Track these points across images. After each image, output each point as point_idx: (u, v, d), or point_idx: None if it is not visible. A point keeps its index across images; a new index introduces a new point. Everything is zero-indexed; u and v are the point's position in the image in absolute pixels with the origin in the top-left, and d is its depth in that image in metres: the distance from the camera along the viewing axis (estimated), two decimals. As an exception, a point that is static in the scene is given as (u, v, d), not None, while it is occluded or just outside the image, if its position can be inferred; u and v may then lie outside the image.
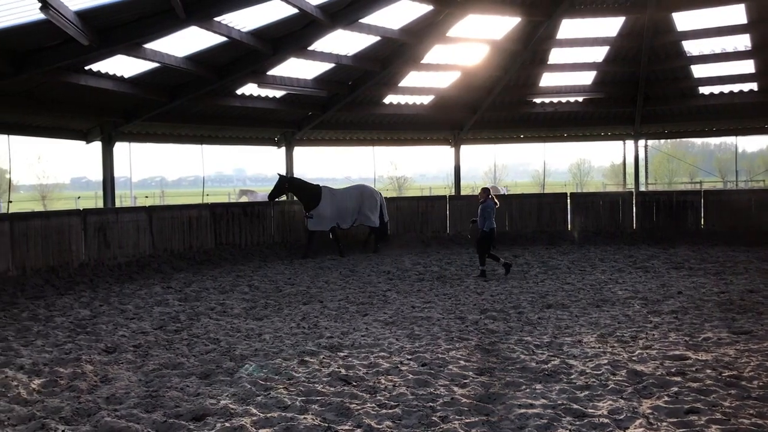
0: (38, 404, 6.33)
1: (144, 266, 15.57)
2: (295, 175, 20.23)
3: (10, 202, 18.90)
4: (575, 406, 6.05)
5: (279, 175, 18.57)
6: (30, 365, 7.68)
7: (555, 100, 21.11)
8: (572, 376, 7.03)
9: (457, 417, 5.89)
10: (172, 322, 10.19)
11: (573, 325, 9.61)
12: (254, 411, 6.06)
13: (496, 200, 14.47)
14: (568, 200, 21.56)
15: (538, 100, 21.18)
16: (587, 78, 20.51)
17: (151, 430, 5.63)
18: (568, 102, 21.20)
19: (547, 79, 20.53)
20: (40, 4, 9.59)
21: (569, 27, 18.24)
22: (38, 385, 6.97)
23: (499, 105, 21.33)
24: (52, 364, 7.77)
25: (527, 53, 18.72)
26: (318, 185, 18.52)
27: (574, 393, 6.48)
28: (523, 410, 5.99)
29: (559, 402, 6.20)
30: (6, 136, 15.73)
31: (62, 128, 16.80)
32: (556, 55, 19.47)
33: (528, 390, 6.63)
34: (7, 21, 10.63)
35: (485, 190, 14.61)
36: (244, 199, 33.39)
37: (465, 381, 6.95)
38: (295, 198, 19.07)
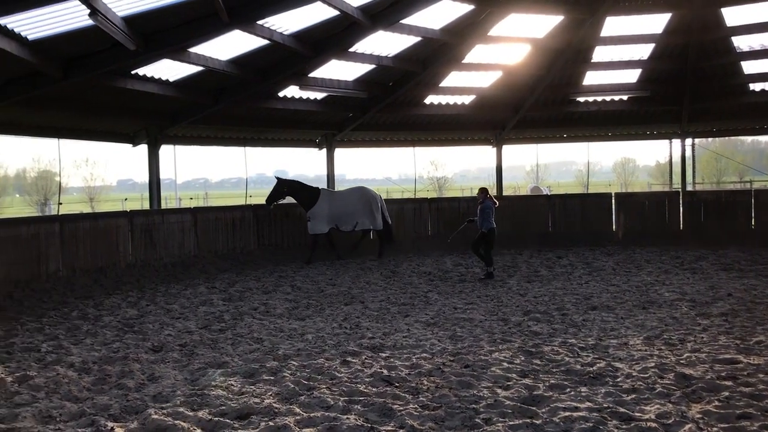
0: (88, 401, 6.48)
1: (189, 266, 15.84)
2: (331, 180, 20.23)
3: (60, 204, 19.40)
4: (621, 410, 5.94)
5: (277, 178, 17.88)
6: (80, 363, 7.88)
7: (599, 98, 20.75)
8: (618, 379, 6.91)
9: (500, 419, 5.83)
10: (216, 322, 10.33)
11: (618, 327, 9.44)
12: (297, 410, 6.10)
13: (495, 200, 14.49)
14: (613, 200, 21.18)
15: (581, 99, 20.87)
16: (632, 76, 20.13)
17: (197, 428, 5.71)
18: (612, 100, 20.83)
19: (591, 78, 20.21)
20: (88, 11, 9.82)
21: (613, 24, 17.93)
22: (88, 382, 7.14)
23: (542, 104, 21.08)
24: (101, 362, 7.96)
25: (570, 52, 18.46)
26: (317, 187, 18.09)
27: (620, 396, 6.36)
28: (568, 413, 5.90)
29: (605, 405, 6.09)
30: (56, 139, 16.18)
31: (110, 132, 17.19)
32: (599, 53, 19.15)
33: (573, 393, 6.53)
34: (57, 28, 10.92)
35: (483, 190, 14.62)
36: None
37: (508, 383, 6.88)
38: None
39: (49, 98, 13.36)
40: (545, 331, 9.27)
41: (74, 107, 14.45)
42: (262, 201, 17.91)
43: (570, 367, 7.37)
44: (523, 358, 7.86)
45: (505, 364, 7.60)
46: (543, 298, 11.88)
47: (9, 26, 10.07)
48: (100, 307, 11.65)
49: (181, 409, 6.15)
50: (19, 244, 12.43)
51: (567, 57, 18.76)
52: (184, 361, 8.02)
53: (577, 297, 11.86)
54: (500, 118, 21.76)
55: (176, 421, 5.79)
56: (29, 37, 10.72)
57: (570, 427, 5.61)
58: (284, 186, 17.59)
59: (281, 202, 17.95)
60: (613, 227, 20.81)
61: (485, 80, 20.05)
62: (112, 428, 5.63)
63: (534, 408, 6.11)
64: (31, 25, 10.51)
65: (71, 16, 10.58)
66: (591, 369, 7.26)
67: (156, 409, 6.15)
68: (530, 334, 9.15)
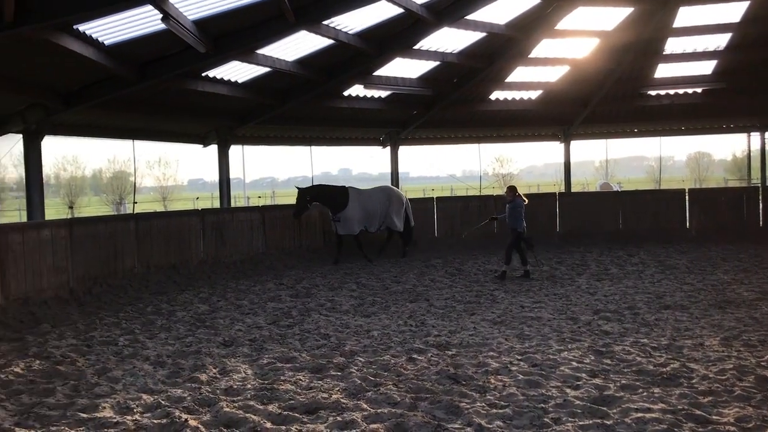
0: (163, 394, 6.70)
1: (257, 263, 16.16)
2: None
3: (135, 203, 20.13)
4: (698, 412, 5.74)
5: (297, 188, 16.59)
6: (155, 357, 8.15)
7: (671, 91, 20.08)
8: (693, 381, 6.68)
9: (570, 419, 5.73)
10: (284, 318, 10.51)
11: (693, 327, 9.13)
12: (365, 406, 6.15)
13: (524, 198, 13.98)
14: (687, 196, 20.51)
15: (653, 92, 20.24)
16: (707, 67, 19.38)
17: (267, 421, 5.82)
18: (686, 93, 20.12)
19: (663, 70, 19.56)
20: (161, 15, 10.14)
21: (687, 14, 17.29)
22: (163, 375, 7.38)
23: (611, 98, 20.54)
24: (175, 356, 8.21)
25: (641, 44, 17.92)
26: (344, 186, 17.29)
27: (696, 398, 6.15)
28: (640, 414, 5.75)
29: (679, 407, 5.90)
30: (131, 141, 16.79)
31: (182, 133, 17.72)
32: (672, 45, 18.51)
33: (645, 393, 6.36)
34: (132, 33, 11.32)
35: (512, 189, 14.07)
36: None
37: (578, 383, 6.75)
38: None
39: (124, 101, 13.87)
40: (616, 331, 9.05)
41: (148, 109, 14.95)
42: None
43: (642, 368, 7.18)
44: (592, 358, 7.70)
45: (574, 363, 7.46)
46: (613, 296, 11.60)
47: (87, 32, 10.50)
48: (174, 302, 12.02)
49: (252, 403, 6.28)
50: (98, 242, 12.94)
51: (637, 49, 18.21)
52: (254, 356, 8.19)
53: (649, 296, 11.53)
54: (568, 113, 21.35)
55: (247, 415, 5.93)
56: (106, 43, 11.16)
57: (643, 428, 5.47)
58: (307, 194, 16.44)
59: (310, 211, 16.98)
60: (687, 224, 20.14)
61: (552, 75, 19.70)
62: (186, 420, 5.80)
63: (605, 408, 5.98)
64: (108, 30, 10.93)
65: (145, 21, 10.95)
66: (664, 370, 7.05)
67: (227, 402, 6.30)
68: (600, 333, 8.95)
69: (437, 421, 5.75)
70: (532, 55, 18.35)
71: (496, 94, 20.16)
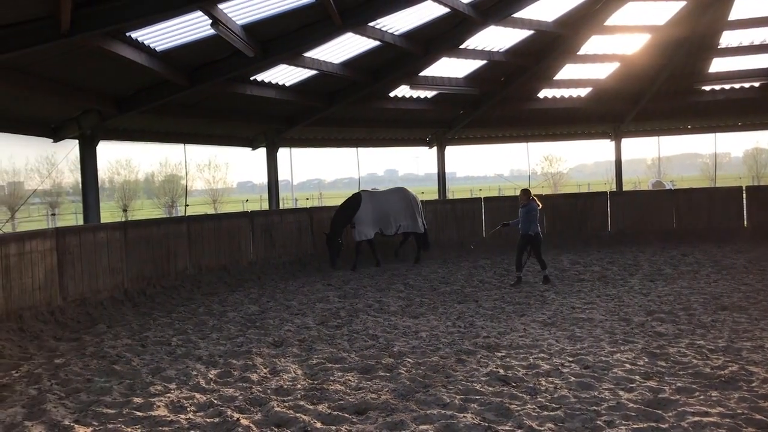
0: (215, 393, 6.80)
1: (305, 264, 16.31)
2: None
3: (187, 205, 20.53)
4: (758, 417, 5.55)
5: (334, 222, 16.14)
6: (207, 356, 8.29)
7: (727, 86, 19.49)
8: (753, 384, 6.47)
9: (623, 422, 5.61)
10: (333, 318, 10.57)
11: (752, 329, 8.83)
12: (414, 407, 6.13)
13: (538, 201, 13.30)
14: (744, 194, 19.88)
15: (707, 88, 19.67)
16: (765, 61, 18.76)
17: (317, 421, 5.86)
18: (742, 88, 19.49)
19: (718, 65, 19.01)
20: (210, 21, 10.32)
21: (743, 6, 16.76)
22: (214, 375, 7.50)
23: (663, 94, 20.05)
24: (226, 356, 8.33)
25: (694, 38, 17.45)
26: (357, 192, 16.82)
27: (756, 402, 5.95)
28: (697, 418, 5.60)
29: (738, 411, 5.72)
30: (182, 145, 17.15)
31: (231, 136, 18.00)
32: (727, 38, 17.98)
33: (702, 397, 6.18)
34: (182, 39, 11.55)
35: (526, 192, 13.44)
36: None
37: (631, 385, 6.61)
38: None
39: (175, 106, 14.17)
40: (670, 332, 8.82)
41: (198, 114, 15.24)
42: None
43: (699, 370, 6.98)
44: (646, 360, 7.52)
45: (627, 365, 7.30)
46: (667, 297, 11.31)
47: (139, 39, 10.75)
48: (225, 303, 12.21)
49: (302, 403, 6.33)
50: (151, 244, 13.23)
51: (690, 44, 17.75)
52: (304, 356, 8.25)
53: (704, 296, 11.21)
54: (618, 111, 20.94)
55: (297, 414, 5.97)
56: (157, 49, 11.41)
57: (701, 433, 5.32)
58: (344, 219, 16.15)
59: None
60: (744, 223, 19.52)
61: (602, 72, 19.34)
62: (238, 419, 5.88)
63: (659, 412, 5.83)
64: (159, 37, 11.18)
65: (194, 27, 11.17)
66: (722, 372, 6.84)
67: (278, 402, 6.36)
68: (654, 334, 8.74)
69: (487, 423, 5.69)
70: (581, 52, 18.06)
71: (545, 92, 19.91)
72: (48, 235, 10.94)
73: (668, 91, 19.98)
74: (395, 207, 16.60)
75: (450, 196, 23.48)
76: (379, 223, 16.39)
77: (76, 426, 5.84)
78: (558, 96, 20.11)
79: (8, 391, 6.89)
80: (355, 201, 16.31)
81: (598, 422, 5.62)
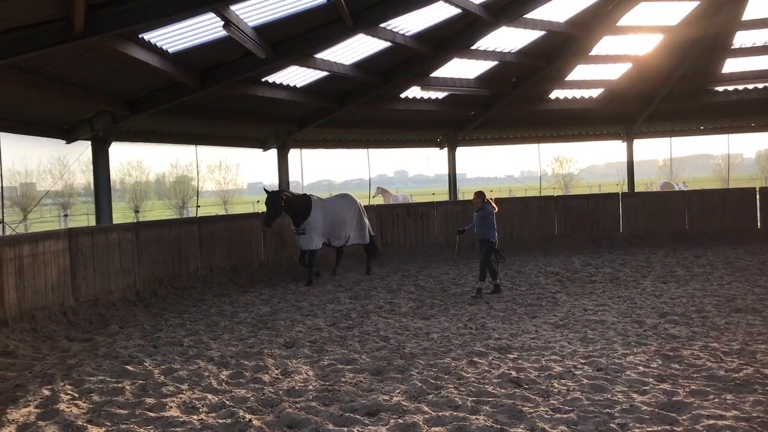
0: (227, 394, 6.81)
1: (317, 265, 16.27)
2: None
3: (198, 206, 20.55)
4: (775, 421, 5.50)
5: (267, 191, 14.45)
6: (219, 357, 8.30)
7: (740, 87, 19.35)
8: (769, 387, 6.40)
9: (637, 425, 5.57)
10: (344, 320, 10.56)
11: (767, 331, 8.75)
12: (426, 409, 6.11)
13: (494, 205, 12.56)
14: (757, 195, 19.73)
15: (720, 88, 19.55)
16: (778, 61, 18.63)
17: (328, 423, 5.85)
18: (755, 88, 19.35)
19: (731, 65, 18.88)
20: (222, 22, 10.35)
21: (758, 6, 16.61)
22: (226, 376, 7.51)
23: (676, 95, 19.94)
24: (238, 356, 8.34)
25: (707, 38, 17.33)
26: (306, 195, 15.18)
27: (772, 406, 5.89)
28: (712, 421, 5.55)
29: (754, 414, 5.67)
30: (194, 146, 17.19)
31: (242, 137, 18.05)
32: (741, 38, 17.85)
33: (717, 400, 6.13)
34: (194, 40, 11.59)
35: (481, 195, 12.55)
36: (379, 196, 34.06)
37: (645, 388, 6.56)
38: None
39: (186, 107, 14.21)
40: (684, 335, 8.75)
41: (210, 115, 15.28)
42: (381, 201, 17.92)
43: (713, 373, 6.92)
44: (660, 362, 7.46)
45: (640, 368, 7.25)
46: (680, 299, 11.24)
47: (152, 40, 10.80)
48: (236, 304, 12.23)
49: (314, 404, 6.33)
50: (163, 245, 13.28)
51: (703, 44, 17.63)
52: (315, 357, 8.25)
53: (718, 299, 11.12)
54: (630, 111, 20.85)
55: (309, 416, 5.97)
56: (169, 50, 11.45)
57: (716, 436, 5.27)
58: (281, 198, 14.27)
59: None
60: (758, 224, 19.37)
61: (614, 72, 19.26)
62: (250, 420, 5.88)
63: (674, 414, 5.79)
64: (171, 38, 11.22)
65: (206, 29, 11.21)
66: (737, 375, 6.77)
67: (290, 403, 6.36)
68: (667, 337, 8.68)
69: (499, 425, 5.66)
70: (592, 53, 17.99)
71: (556, 93, 19.84)
72: (61, 236, 10.99)
73: (681, 92, 19.87)
74: (345, 216, 15.24)
75: (461, 197, 23.40)
76: (328, 233, 14.94)
77: (89, 426, 5.86)
78: (569, 97, 20.03)
79: (22, 391, 6.93)
80: (304, 201, 14.72)
81: (611, 425, 5.58)
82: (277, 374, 7.52)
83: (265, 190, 14.53)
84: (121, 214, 33.71)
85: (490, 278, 12.50)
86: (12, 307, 9.50)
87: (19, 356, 8.48)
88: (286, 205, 14.34)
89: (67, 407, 6.37)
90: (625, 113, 21.00)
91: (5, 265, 9.45)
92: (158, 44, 11.08)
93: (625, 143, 21.83)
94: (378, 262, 16.31)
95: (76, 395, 6.82)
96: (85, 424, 5.91)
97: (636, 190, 22.89)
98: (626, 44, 18.19)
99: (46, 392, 6.86)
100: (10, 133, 12.43)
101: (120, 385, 7.10)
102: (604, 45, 17.84)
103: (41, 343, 9.19)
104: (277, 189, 15.11)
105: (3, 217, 13.61)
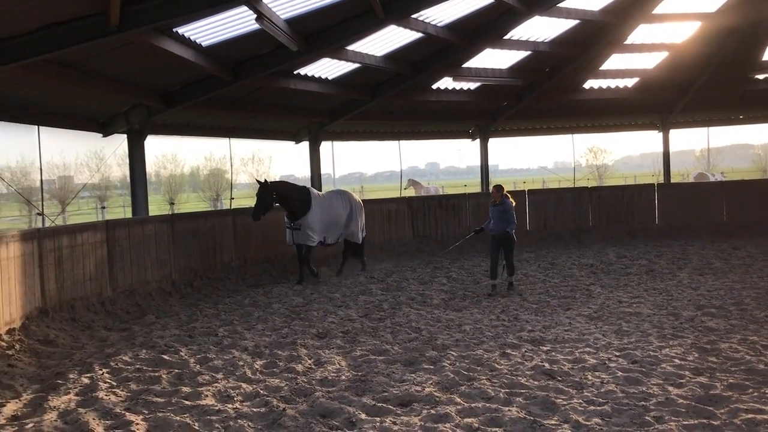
0: (261, 383, 6.89)
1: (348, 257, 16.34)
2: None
3: (232, 198, 20.79)
4: (816, 416, 5.38)
5: (259, 182, 13.61)
6: (253, 347, 8.40)
7: (781, 74, 18.90)
8: (811, 382, 6.26)
9: (673, 418, 5.50)
10: (376, 311, 10.60)
11: (809, 325, 8.57)
12: (458, 400, 6.11)
13: (512, 199, 12.07)
14: (799, 185, 19.28)
15: (760, 76, 19.09)
16: (821, 47, 18.12)
17: (361, 412, 5.89)
18: (798, 76, 18.88)
19: (772, 52, 18.42)
20: (255, 16, 10.41)
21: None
22: (260, 365, 7.60)
23: (714, 84, 19.50)
24: (272, 346, 8.43)
25: (747, 25, 16.91)
26: (305, 187, 14.33)
27: (813, 401, 5.77)
28: (750, 415, 5.45)
29: (795, 409, 5.55)
30: (227, 139, 17.36)
31: (275, 130, 18.17)
32: (782, 25, 17.40)
33: (756, 394, 6.03)
34: (227, 33, 11.68)
35: (499, 188, 12.03)
36: (411, 188, 34.13)
37: (681, 381, 6.47)
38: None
39: (220, 100, 14.34)
40: (722, 327, 8.60)
41: (243, 108, 15.40)
42: (411, 193, 17.87)
43: (752, 366, 6.80)
44: (696, 355, 7.35)
45: (676, 360, 7.15)
46: (718, 292, 11.04)
47: (186, 34, 10.91)
48: (269, 294, 12.34)
49: (347, 394, 6.37)
50: (198, 237, 13.45)
51: (743, 31, 17.21)
52: (348, 348, 8.29)
53: (757, 291, 10.90)
54: (666, 101, 20.47)
55: (342, 405, 6.02)
56: (203, 44, 11.56)
57: (754, 430, 5.19)
58: (273, 190, 13.39)
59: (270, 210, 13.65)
60: (801, 215, 18.92)
61: (650, 61, 18.92)
62: (284, 409, 5.95)
63: (711, 408, 5.70)
64: (205, 32, 11.33)
65: (239, 22, 11.29)
66: (777, 369, 6.64)
67: (323, 393, 6.42)
68: (704, 330, 8.54)
69: (533, 416, 5.64)
70: (628, 42, 17.67)
71: (590, 83, 19.56)
72: (98, 228, 11.20)
73: (719, 80, 19.42)
74: (340, 212, 14.46)
75: (493, 188, 23.30)
76: (325, 230, 14.11)
77: (127, 414, 5.98)
78: (604, 86, 19.73)
79: (62, 379, 7.09)
80: (304, 195, 13.85)
81: (646, 418, 5.52)
82: (310, 364, 7.59)
83: (257, 180, 13.80)
84: (156, 207, 34.23)
85: (506, 274, 11.96)
86: (52, 297, 9.73)
87: (59, 345, 8.68)
88: (284, 198, 13.49)
89: (106, 395, 6.51)
90: (660, 103, 20.63)
91: (45, 257, 9.67)
92: (192, 38, 11.19)
93: (661, 133, 21.48)
94: (367, 267, 15.11)
95: (114, 383, 6.96)
96: (123, 412, 6.03)
97: (672, 181, 22.52)
98: (663, 32, 17.86)
99: (86, 380, 7.02)
100: (49, 127, 12.69)
101: (157, 374, 7.24)
102: (640, 33, 17.52)
103: (80, 333, 9.40)
104: (271, 180, 13.97)
105: (43, 209, 13.93)
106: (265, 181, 13.47)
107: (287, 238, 13.86)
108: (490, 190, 12.00)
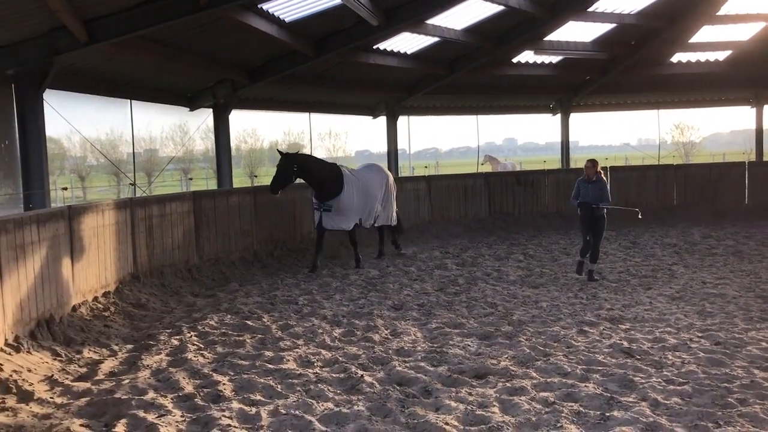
0: (340, 350, 7.10)
1: (423, 231, 16.45)
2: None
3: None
4: None
5: (282, 153, 12.06)
6: (331, 316, 8.64)
7: None
8: None
9: (758, 401, 5.36)
10: (451, 285, 10.66)
11: None
12: (534, 374, 6.14)
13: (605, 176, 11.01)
14: None
15: None
16: None
17: (437, 382, 6.00)
18: None
19: None
20: (337, -9, 10.55)
21: None
22: (339, 333, 7.82)
23: (815, 56, 18.42)
24: (350, 316, 8.65)
25: None
26: (335, 164, 12.84)
27: None
28: (842, 403, 5.25)
29: None
30: (306, 113, 17.69)
31: (353, 105, 18.38)
32: None
33: None
34: (310, 9, 11.87)
35: (594, 163, 11.01)
36: (488, 164, 33.77)
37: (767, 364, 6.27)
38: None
39: (301, 75, 14.61)
40: (814, 312, 8.26)
41: (323, 83, 15.66)
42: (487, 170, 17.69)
43: None
44: (786, 339, 7.10)
45: (763, 343, 6.93)
46: (812, 275, 10.56)
47: (270, 10, 11.15)
48: (346, 266, 12.59)
49: (422, 364, 6.49)
50: (279, 208, 13.80)
51: None
52: (423, 320, 8.41)
53: None
54: (761, 75, 19.43)
55: (418, 375, 6.15)
56: (287, 20, 11.79)
57: None
58: (294, 163, 11.93)
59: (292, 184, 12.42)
60: None
61: (744, 33, 18.00)
62: (362, 376, 6.13)
63: (800, 393, 5.52)
64: (288, 8, 11.55)
65: (322, -2, 11.46)
66: None
67: (399, 362, 6.56)
68: (795, 314, 8.22)
69: (609, 393, 5.61)
70: (720, 12, 16.86)
71: (678, 56, 18.80)
72: (186, 199, 11.68)
73: (821, 53, 18.32)
74: (376, 192, 13.13)
75: (573, 165, 22.76)
76: (360, 212, 12.83)
77: (214, 374, 6.30)
78: (693, 60, 18.94)
79: (153, 341, 7.51)
80: (334, 174, 12.46)
81: (729, 399, 5.41)
82: (386, 334, 7.75)
83: (278, 151, 12.41)
84: (237, 180, 35.24)
85: (588, 261, 10.99)
86: (143, 263, 10.25)
87: (149, 308, 9.18)
88: (308, 173, 12.13)
89: (194, 356, 6.86)
90: (754, 77, 19.60)
91: (137, 225, 10.18)
92: (276, 14, 11.43)
93: (754, 109, 20.48)
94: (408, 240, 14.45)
95: (202, 346, 7.33)
96: (210, 372, 6.35)
97: (765, 159, 21.47)
98: (759, 1, 16.95)
99: (175, 342, 7.41)
100: (139, 101, 13.26)
101: (241, 338, 7.56)
102: (734, 3, 16.69)
103: (169, 298, 9.89)
104: (295, 153, 12.44)
105: (135, 179, 14.60)
106: (287, 153, 12.16)
107: (316, 221, 12.62)
108: (585, 165, 11.14)
